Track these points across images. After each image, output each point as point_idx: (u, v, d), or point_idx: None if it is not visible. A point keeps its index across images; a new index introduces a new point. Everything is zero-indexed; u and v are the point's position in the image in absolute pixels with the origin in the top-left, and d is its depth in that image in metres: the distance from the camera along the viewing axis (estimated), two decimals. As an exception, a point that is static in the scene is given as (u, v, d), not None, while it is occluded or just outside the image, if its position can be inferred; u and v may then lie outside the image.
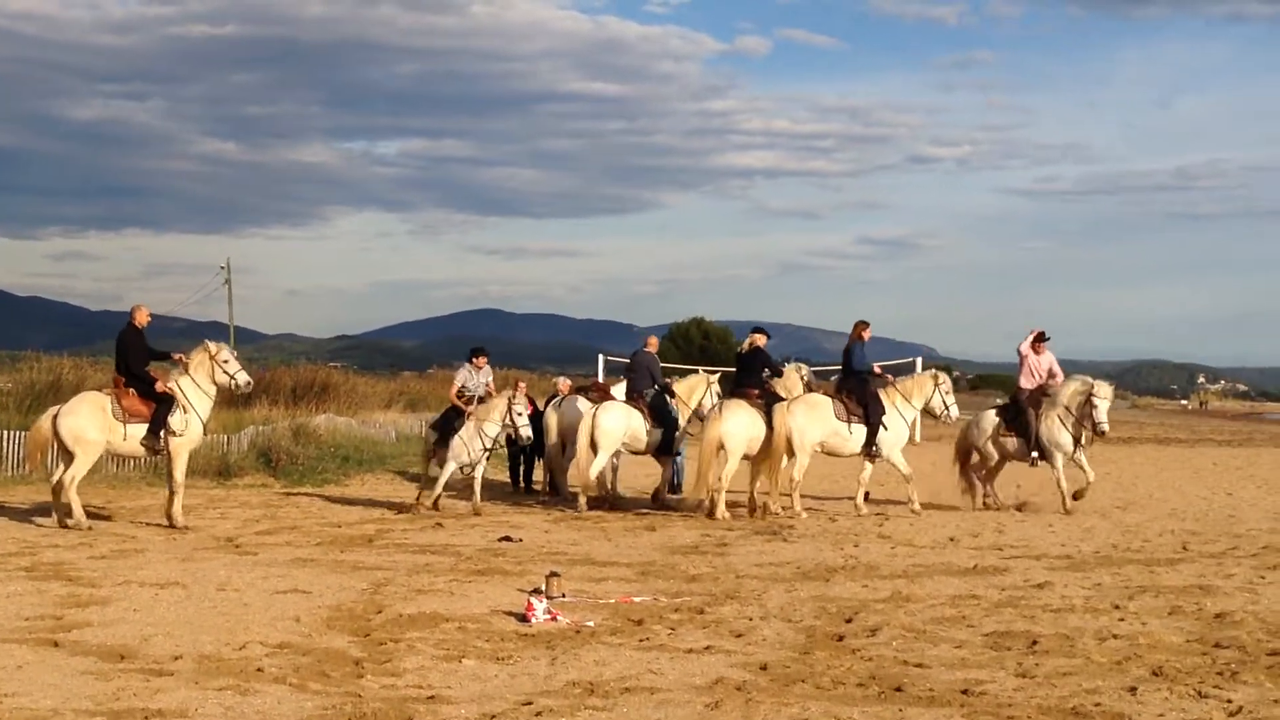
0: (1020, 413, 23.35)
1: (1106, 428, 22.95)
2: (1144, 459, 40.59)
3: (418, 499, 22.56)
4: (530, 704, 9.11)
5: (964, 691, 9.57)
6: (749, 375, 22.45)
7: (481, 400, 22.55)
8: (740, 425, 21.61)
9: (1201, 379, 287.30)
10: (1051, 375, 23.62)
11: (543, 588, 12.90)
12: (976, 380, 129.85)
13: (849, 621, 12.29)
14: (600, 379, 39.38)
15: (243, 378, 20.60)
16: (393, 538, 18.40)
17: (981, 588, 14.33)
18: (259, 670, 10.02)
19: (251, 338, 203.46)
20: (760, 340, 22.54)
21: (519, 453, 26.45)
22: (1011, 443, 23.34)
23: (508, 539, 18.19)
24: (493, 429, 22.26)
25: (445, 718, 8.81)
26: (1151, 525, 20.70)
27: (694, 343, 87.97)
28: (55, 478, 19.59)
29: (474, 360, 23.28)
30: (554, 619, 12.07)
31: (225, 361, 20.40)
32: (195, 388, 20.10)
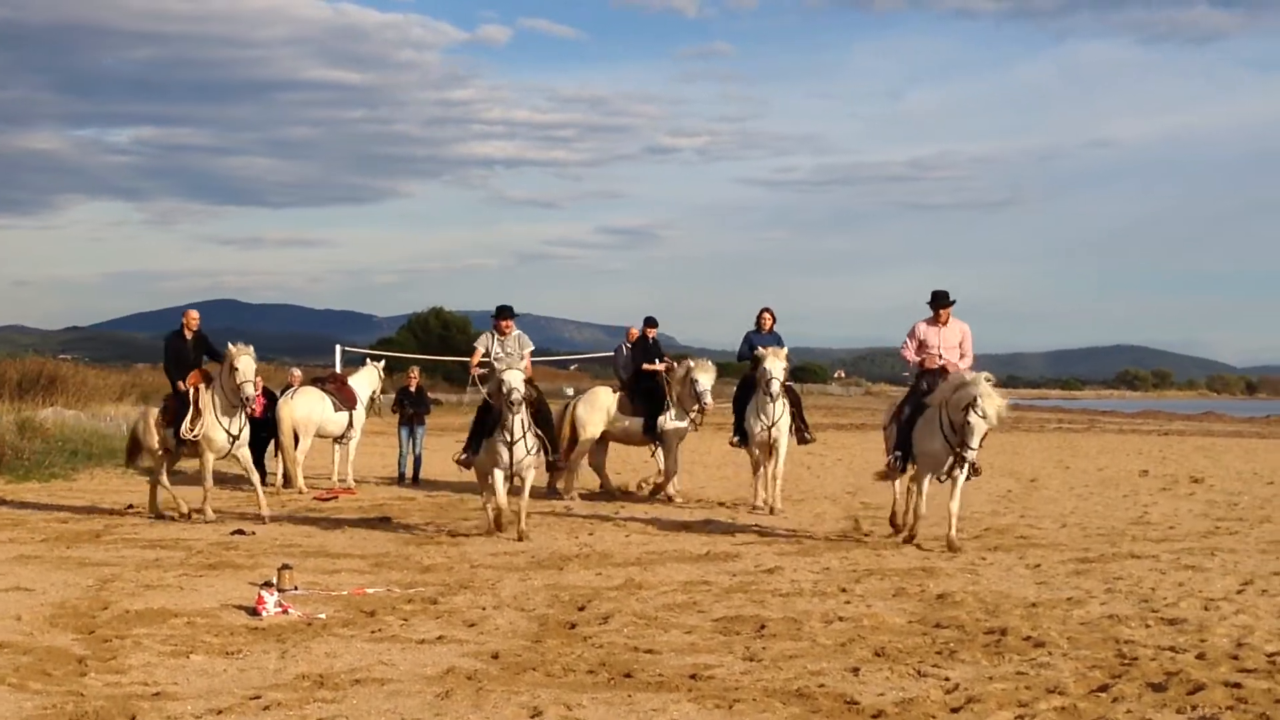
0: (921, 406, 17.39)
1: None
2: (875, 445, 41.44)
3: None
4: (258, 698, 9.02)
5: (692, 676, 9.71)
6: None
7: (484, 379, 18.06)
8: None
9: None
10: (961, 355, 17.82)
11: (274, 581, 12.78)
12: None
13: (581, 609, 12.38)
14: (338, 369, 39.10)
15: (248, 390, 19.48)
16: (122, 533, 18.02)
17: (713, 574, 14.54)
18: (-23, 670, 9.75)
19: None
20: (649, 331, 23.61)
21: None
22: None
23: (240, 532, 17.96)
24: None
25: (170, 715, 8.66)
26: (880, 510, 21.17)
27: (434, 333, 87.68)
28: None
29: (499, 323, 18.70)
30: (285, 612, 11.97)
31: (234, 370, 19.40)
32: (218, 394, 19.61)
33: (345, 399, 25.09)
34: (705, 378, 22.16)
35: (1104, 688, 9.36)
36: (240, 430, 19.83)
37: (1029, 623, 11.68)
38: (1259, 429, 61.38)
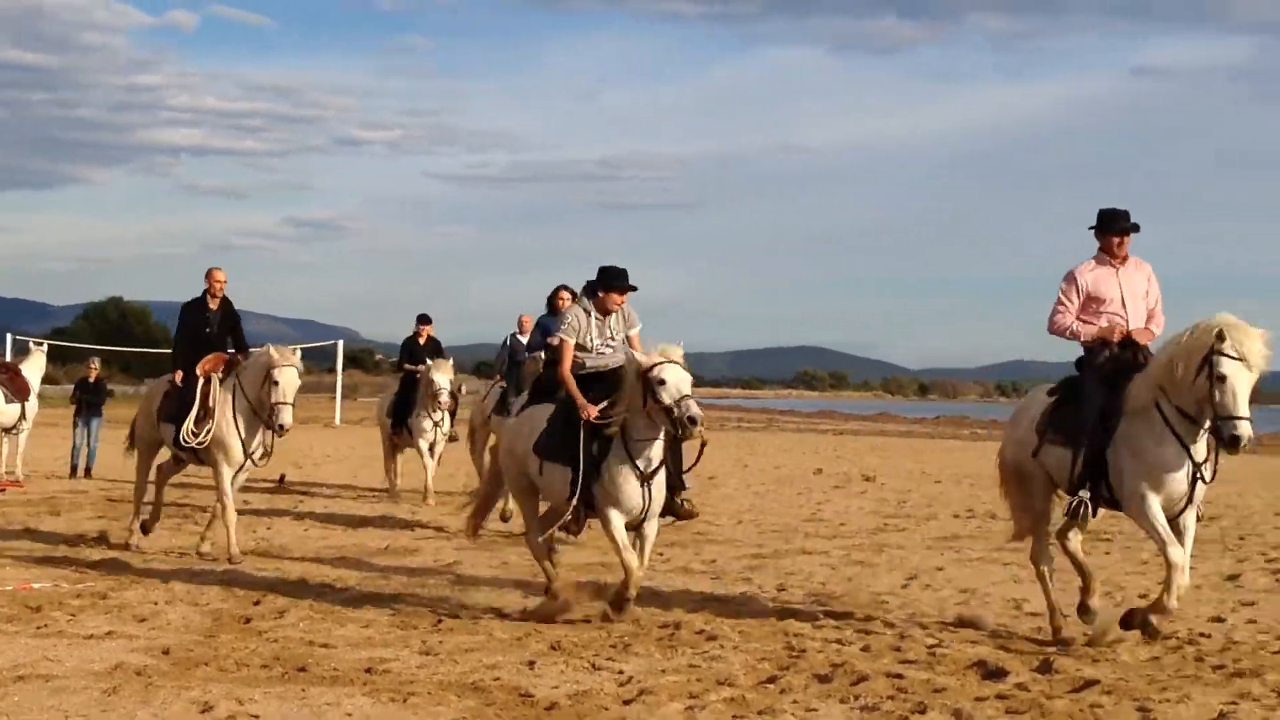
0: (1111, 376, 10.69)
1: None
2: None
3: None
4: (-86, 696, 8.73)
5: (368, 670, 9.68)
6: None
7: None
8: None
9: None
10: (1149, 314, 11.09)
11: (-65, 576, 12.35)
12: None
13: (257, 604, 12.24)
14: (9, 359, 37.90)
15: (285, 416, 14.92)
16: None
17: (392, 568, 14.49)
18: None
19: None
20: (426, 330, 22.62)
21: None
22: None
23: (-100, 526, 17.31)
24: None
25: None
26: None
27: (112, 323, 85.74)
28: None
29: (605, 297, 12.50)
30: (-55, 608, 11.59)
31: (274, 385, 14.98)
32: (238, 395, 15.33)
33: (18, 389, 24.28)
34: (440, 377, 21.63)
35: (772, 679, 9.59)
36: (257, 448, 15.50)
37: (702, 616, 11.90)
38: (929, 429, 63.53)
